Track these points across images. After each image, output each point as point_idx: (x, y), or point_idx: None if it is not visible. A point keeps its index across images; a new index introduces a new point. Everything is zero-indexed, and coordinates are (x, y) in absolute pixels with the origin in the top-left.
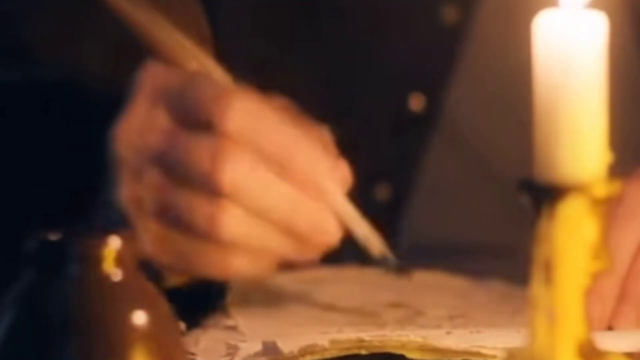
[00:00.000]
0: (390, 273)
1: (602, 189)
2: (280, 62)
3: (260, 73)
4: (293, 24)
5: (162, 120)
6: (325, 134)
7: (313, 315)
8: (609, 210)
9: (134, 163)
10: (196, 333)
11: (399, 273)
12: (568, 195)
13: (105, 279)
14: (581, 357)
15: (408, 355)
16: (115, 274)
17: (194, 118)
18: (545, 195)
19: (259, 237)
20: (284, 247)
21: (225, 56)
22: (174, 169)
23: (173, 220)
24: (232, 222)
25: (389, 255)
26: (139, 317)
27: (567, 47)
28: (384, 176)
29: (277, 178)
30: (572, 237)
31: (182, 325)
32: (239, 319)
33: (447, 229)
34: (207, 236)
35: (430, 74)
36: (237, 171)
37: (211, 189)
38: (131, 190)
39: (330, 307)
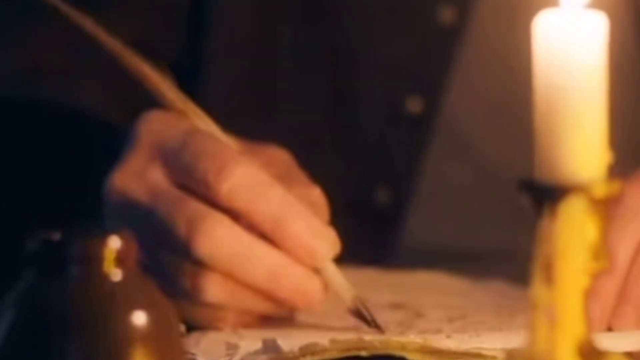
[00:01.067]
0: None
1: (602, 189)
2: (276, 66)
3: (256, 77)
4: (289, 28)
5: (156, 176)
6: (317, 194)
7: (313, 316)
8: (609, 211)
9: (123, 213)
10: (196, 334)
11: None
12: (568, 195)
13: (105, 279)
14: (581, 357)
15: (408, 356)
16: (115, 274)
17: (190, 177)
18: (545, 195)
19: (240, 301)
20: (266, 309)
21: (218, 61)
22: (157, 230)
23: (159, 275)
24: (213, 287)
25: (371, 317)
26: (139, 317)
27: (567, 47)
28: (383, 180)
29: (258, 245)
30: (572, 237)
31: (182, 327)
32: None
33: (447, 232)
34: (190, 298)
35: (427, 76)
36: (213, 240)
37: (190, 255)
38: None
39: (330, 308)
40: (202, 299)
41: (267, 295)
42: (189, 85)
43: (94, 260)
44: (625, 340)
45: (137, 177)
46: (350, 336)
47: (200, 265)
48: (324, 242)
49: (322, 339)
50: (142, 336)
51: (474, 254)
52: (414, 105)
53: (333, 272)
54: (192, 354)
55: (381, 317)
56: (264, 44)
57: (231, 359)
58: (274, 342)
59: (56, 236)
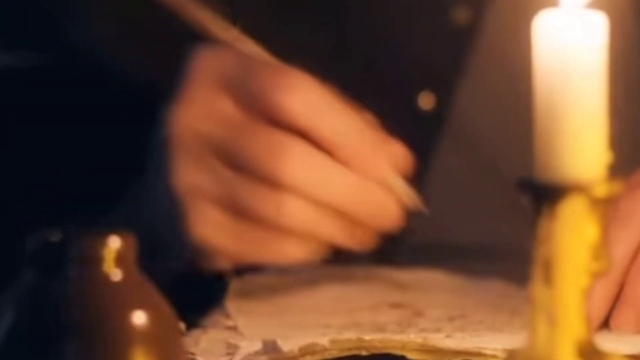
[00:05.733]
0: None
1: (602, 189)
2: (289, 62)
3: None
4: (303, 25)
5: (226, 107)
6: (369, 116)
7: (313, 316)
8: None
9: (194, 149)
10: (196, 333)
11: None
12: (568, 195)
13: (105, 279)
14: (581, 357)
15: (408, 355)
16: (115, 274)
17: (258, 105)
18: (545, 195)
19: (318, 224)
20: (342, 234)
21: None
22: (235, 159)
23: (232, 206)
24: (293, 211)
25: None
26: (139, 317)
27: (567, 47)
28: None
29: (337, 166)
30: (572, 237)
31: (182, 326)
32: (239, 319)
33: (451, 227)
34: (267, 223)
35: (440, 73)
36: (297, 163)
37: (271, 181)
38: (190, 175)
39: (330, 308)
40: (280, 223)
41: (346, 217)
42: None
43: (94, 260)
44: (627, 343)
45: (204, 110)
46: (350, 336)
47: (279, 189)
48: (385, 154)
49: (322, 339)
50: (142, 336)
51: (476, 250)
52: (426, 102)
53: (397, 181)
54: (192, 353)
55: (380, 316)
56: (272, 43)
57: (231, 359)
58: (274, 342)
59: (56, 236)
